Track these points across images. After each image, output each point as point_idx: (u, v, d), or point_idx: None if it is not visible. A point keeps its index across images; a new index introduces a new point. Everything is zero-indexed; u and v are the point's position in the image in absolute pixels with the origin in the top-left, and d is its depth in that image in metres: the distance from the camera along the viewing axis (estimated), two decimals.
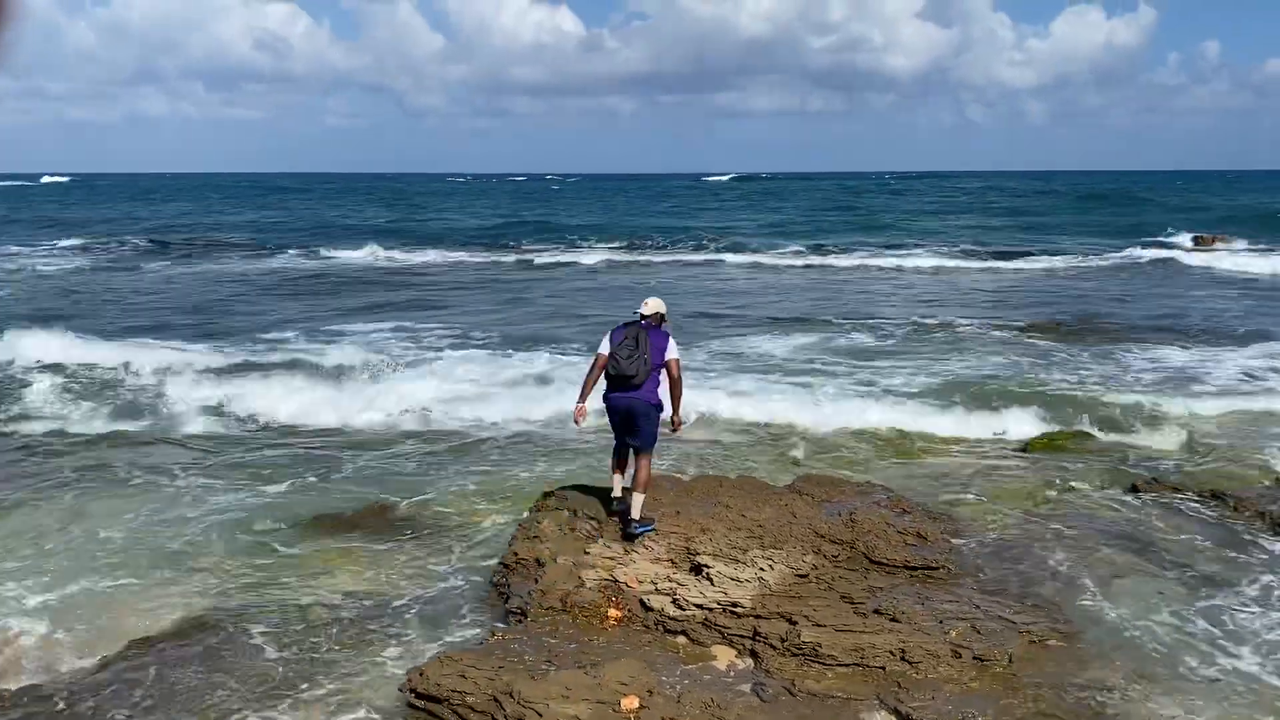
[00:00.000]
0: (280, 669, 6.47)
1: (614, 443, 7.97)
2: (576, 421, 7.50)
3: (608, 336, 7.53)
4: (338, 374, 15.76)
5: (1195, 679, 6.09)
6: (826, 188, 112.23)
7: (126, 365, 16.12)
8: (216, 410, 13.84)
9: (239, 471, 11.16)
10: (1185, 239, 43.31)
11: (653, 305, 7.70)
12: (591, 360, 7.62)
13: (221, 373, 15.91)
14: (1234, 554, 8.20)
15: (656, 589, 6.93)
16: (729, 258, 38.95)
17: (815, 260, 37.90)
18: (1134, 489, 9.97)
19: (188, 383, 15.02)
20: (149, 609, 7.49)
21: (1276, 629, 6.80)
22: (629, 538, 7.51)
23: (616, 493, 7.99)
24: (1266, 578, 7.71)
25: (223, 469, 11.30)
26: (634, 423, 7.52)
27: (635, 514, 7.53)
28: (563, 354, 17.44)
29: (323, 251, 41.28)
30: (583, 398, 7.50)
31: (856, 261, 36.87)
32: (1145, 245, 40.49)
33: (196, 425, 13.19)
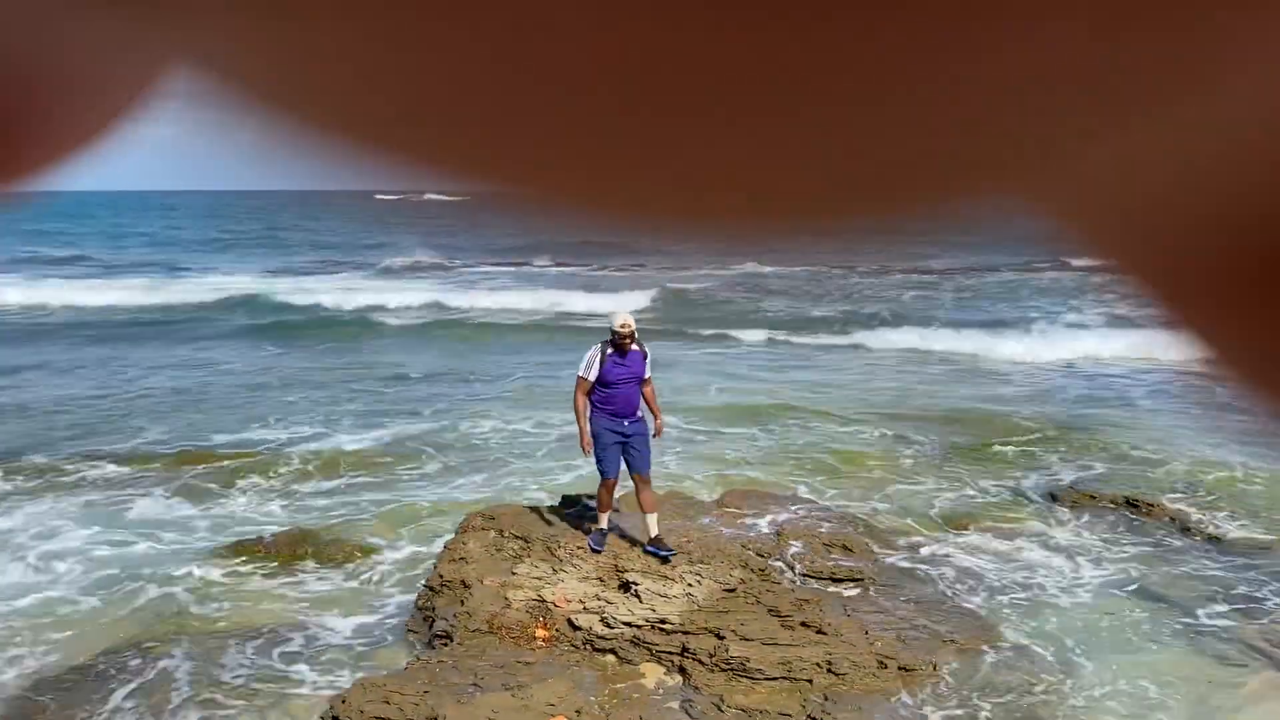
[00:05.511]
0: (195, 703, 6.25)
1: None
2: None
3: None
4: None
5: (1117, 680, 6.25)
6: None
7: None
8: None
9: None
10: None
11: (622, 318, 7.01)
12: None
13: None
14: (1149, 555, 8.50)
15: (585, 608, 6.87)
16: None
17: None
18: (1051, 497, 10.27)
19: None
20: (46, 640, 7.17)
21: (1192, 626, 7.04)
22: (663, 560, 7.25)
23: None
24: (1177, 578, 7.99)
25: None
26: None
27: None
28: None
29: None
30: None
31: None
32: None
33: None
